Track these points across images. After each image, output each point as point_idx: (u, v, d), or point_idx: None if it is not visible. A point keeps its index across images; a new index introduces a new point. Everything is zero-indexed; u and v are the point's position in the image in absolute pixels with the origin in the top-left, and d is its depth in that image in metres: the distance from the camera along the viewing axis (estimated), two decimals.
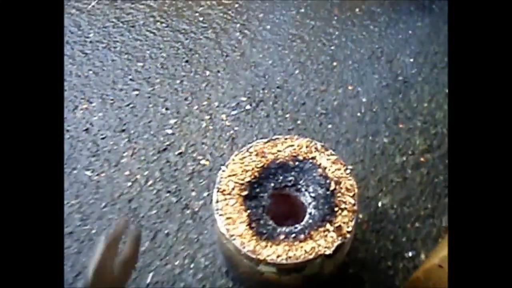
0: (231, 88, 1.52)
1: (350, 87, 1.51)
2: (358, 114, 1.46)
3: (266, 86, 1.52)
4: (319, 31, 1.61)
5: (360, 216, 1.30)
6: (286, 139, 1.02)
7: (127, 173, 1.38)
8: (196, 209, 1.32)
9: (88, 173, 1.39)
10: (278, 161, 0.99)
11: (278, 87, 1.52)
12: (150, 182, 1.37)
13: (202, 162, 1.39)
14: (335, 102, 1.48)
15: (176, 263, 1.25)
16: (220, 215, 0.92)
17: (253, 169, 0.97)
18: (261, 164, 0.98)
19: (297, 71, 1.54)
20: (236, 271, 1.02)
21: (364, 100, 1.49)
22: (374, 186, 1.34)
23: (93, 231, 1.30)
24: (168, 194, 1.35)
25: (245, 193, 0.95)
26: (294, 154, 0.99)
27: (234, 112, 1.48)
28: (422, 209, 1.31)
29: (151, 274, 1.24)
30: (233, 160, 0.99)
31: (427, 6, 1.69)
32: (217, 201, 0.94)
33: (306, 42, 1.60)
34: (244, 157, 0.99)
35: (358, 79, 1.53)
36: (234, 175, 0.97)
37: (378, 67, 1.54)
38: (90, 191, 1.36)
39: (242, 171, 0.97)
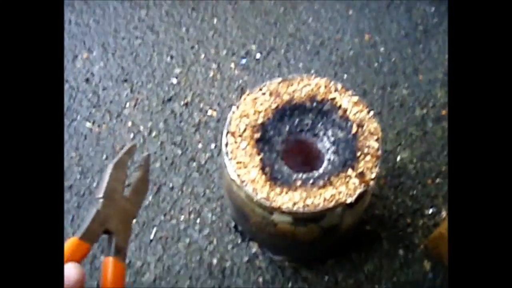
0: (240, 36, 1.43)
1: (367, 37, 1.42)
2: (376, 64, 1.37)
3: (278, 34, 1.43)
4: None
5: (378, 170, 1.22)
6: (302, 78, 0.93)
7: (129, 124, 1.30)
8: (203, 162, 1.25)
9: (89, 124, 1.31)
10: (294, 102, 0.90)
11: (290, 36, 1.42)
12: (153, 134, 1.29)
13: (209, 112, 1.31)
14: (351, 52, 1.39)
15: (181, 218, 1.18)
16: (230, 159, 0.84)
17: (266, 110, 0.89)
18: (275, 105, 0.90)
19: (310, 19, 1.44)
20: (246, 224, 0.94)
21: (382, 50, 1.40)
22: (393, 140, 1.26)
23: (94, 184, 1.23)
24: (173, 146, 1.27)
25: (257, 135, 0.87)
26: (312, 95, 0.91)
27: (243, 61, 1.39)
28: (443, 164, 1.23)
29: (154, 229, 1.18)
30: (245, 100, 0.90)
31: None
32: (227, 144, 0.86)
33: None
34: (257, 97, 0.90)
35: (375, 28, 1.43)
36: (245, 116, 0.88)
37: (396, 16, 1.44)
38: (91, 143, 1.28)
39: (255, 112, 0.88)
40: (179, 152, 1.26)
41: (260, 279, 1.12)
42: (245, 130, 0.87)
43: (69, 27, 1.46)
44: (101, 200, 0.51)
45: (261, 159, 0.85)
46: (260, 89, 0.92)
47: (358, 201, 0.84)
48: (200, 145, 1.27)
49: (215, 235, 1.17)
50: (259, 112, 0.89)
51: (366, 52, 1.39)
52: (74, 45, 1.43)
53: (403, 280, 1.11)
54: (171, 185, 1.22)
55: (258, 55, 1.39)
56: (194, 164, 1.24)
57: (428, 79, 1.34)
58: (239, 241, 1.16)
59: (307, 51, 1.39)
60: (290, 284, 1.11)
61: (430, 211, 1.18)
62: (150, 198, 1.20)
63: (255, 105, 0.90)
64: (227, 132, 0.87)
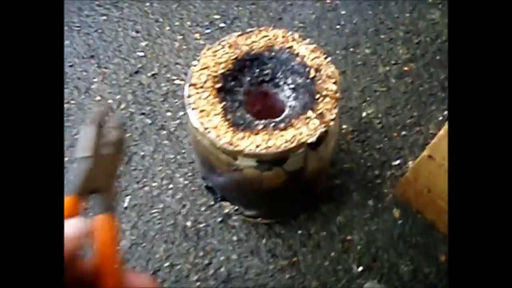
0: (203, 7, 1.44)
1: (328, 1, 1.44)
2: (338, 26, 1.40)
3: (241, 3, 1.45)
4: None
5: (344, 126, 1.25)
6: (260, 30, 0.95)
7: (98, 98, 1.31)
8: (172, 129, 1.26)
9: None
10: (253, 52, 0.92)
11: (252, 4, 1.44)
12: (123, 106, 1.30)
13: (177, 82, 1.32)
14: (313, 16, 1.41)
15: (154, 184, 1.20)
16: (193, 109, 0.86)
17: (226, 61, 0.91)
18: (235, 56, 0.91)
19: None
20: (214, 176, 0.96)
21: (343, 12, 1.42)
22: (358, 97, 1.29)
23: (65, 159, 1.24)
24: (142, 116, 1.28)
25: (218, 85, 0.88)
26: (270, 45, 0.93)
27: (208, 31, 1.41)
28: (408, 117, 1.26)
29: (128, 198, 1.19)
30: (205, 54, 0.92)
31: None
32: (189, 96, 0.87)
33: None
34: (217, 50, 0.92)
35: None
36: (206, 67, 0.90)
37: None
38: None
39: (215, 64, 0.90)
40: (149, 121, 1.27)
41: (235, 238, 1.14)
42: (206, 81, 0.89)
43: None
44: (89, 159, 0.50)
45: (223, 107, 0.86)
46: (219, 43, 0.93)
47: (320, 143, 0.86)
48: (169, 114, 1.28)
49: (188, 198, 1.18)
50: (219, 64, 0.90)
51: (328, 16, 1.41)
52: None
53: (374, 228, 1.13)
54: (142, 153, 1.23)
55: (222, 24, 1.41)
56: (164, 132, 1.26)
57: (389, 37, 1.37)
58: (211, 203, 1.17)
59: (270, 18, 1.41)
60: (264, 241, 1.13)
61: (397, 162, 1.21)
62: (121, 167, 1.21)
63: (215, 57, 0.91)
64: (189, 85, 0.88)
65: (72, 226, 0.41)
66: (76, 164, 0.46)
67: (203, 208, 1.17)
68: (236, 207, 1.13)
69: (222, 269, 1.11)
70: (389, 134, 1.24)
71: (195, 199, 1.18)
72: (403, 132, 1.24)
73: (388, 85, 1.30)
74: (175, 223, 1.16)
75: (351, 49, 1.36)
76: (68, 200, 0.44)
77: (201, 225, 1.16)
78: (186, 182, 1.20)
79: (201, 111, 0.86)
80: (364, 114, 1.27)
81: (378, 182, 1.19)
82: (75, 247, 0.40)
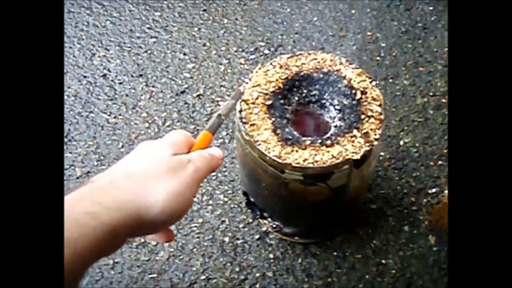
0: (249, 34, 1.51)
1: (369, 33, 1.50)
2: (378, 58, 1.45)
3: (285, 32, 1.51)
4: None
5: (382, 154, 1.28)
6: (309, 53, 1.00)
7: (144, 115, 1.37)
8: None
9: (105, 116, 1.38)
10: (302, 73, 0.97)
11: (296, 33, 1.51)
12: (168, 123, 1.35)
13: (221, 103, 1.38)
14: (354, 47, 1.47)
15: (195, 200, 1.23)
16: (244, 122, 0.90)
17: (277, 80, 0.96)
18: (285, 76, 0.96)
19: (315, 18, 1.53)
20: (258, 189, 0.99)
21: (383, 45, 1.47)
22: (396, 126, 1.32)
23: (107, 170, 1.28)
24: None
25: (269, 102, 0.93)
26: (318, 67, 0.98)
27: (252, 57, 1.47)
28: (444, 148, 1.29)
29: None
30: (257, 72, 0.97)
31: None
32: (241, 111, 0.92)
33: None
34: (268, 70, 0.97)
35: (377, 25, 1.51)
36: (258, 85, 0.95)
37: (397, 14, 1.53)
38: (107, 132, 1.35)
39: (266, 82, 0.95)
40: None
41: (271, 256, 1.17)
42: (257, 97, 0.93)
43: (87, 29, 1.54)
44: (222, 117, 0.70)
45: (272, 123, 0.91)
46: (271, 63, 0.99)
47: (364, 162, 0.90)
48: None
49: (227, 215, 1.22)
50: (270, 82, 0.95)
51: (368, 47, 1.47)
52: (92, 45, 1.51)
53: (409, 254, 1.15)
54: None
55: (266, 51, 1.47)
56: None
57: (428, 70, 1.41)
58: (250, 220, 1.21)
59: (312, 47, 1.47)
60: (300, 260, 1.16)
61: (434, 190, 1.23)
62: None
63: (266, 76, 0.96)
64: (241, 100, 0.93)
65: (216, 151, 0.60)
66: (216, 115, 0.68)
67: (241, 225, 1.20)
68: (274, 225, 1.16)
69: (257, 286, 1.13)
70: (425, 163, 1.27)
71: (234, 216, 1.22)
72: (440, 162, 1.27)
73: (425, 115, 1.34)
74: (213, 238, 1.19)
75: (390, 80, 1.40)
76: (206, 134, 0.64)
77: (239, 241, 1.19)
78: (225, 199, 1.24)
79: (252, 125, 0.90)
80: (401, 142, 1.30)
81: (414, 209, 1.21)
82: (219, 164, 0.60)
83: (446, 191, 1.22)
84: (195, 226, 1.20)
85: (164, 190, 0.50)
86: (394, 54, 1.45)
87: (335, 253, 1.16)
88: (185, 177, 0.52)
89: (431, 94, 1.37)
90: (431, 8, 1.53)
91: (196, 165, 0.54)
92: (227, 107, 0.74)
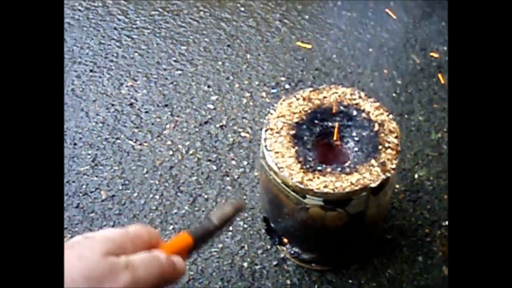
0: (271, 69, 1.59)
1: (385, 71, 1.56)
2: (394, 94, 1.51)
3: (305, 68, 1.58)
4: (355, 21, 1.68)
5: (397, 186, 1.32)
6: (331, 87, 1.06)
7: (169, 143, 1.43)
8: (236, 177, 1.36)
9: (131, 142, 1.44)
10: (324, 106, 1.03)
11: (316, 69, 1.58)
12: (191, 152, 1.41)
13: (243, 134, 1.44)
14: (371, 84, 1.53)
15: None
16: (269, 150, 0.96)
17: (300, 112, 1.02)
18: (308, 108, 1.03)
19: (334, 56, 1.60)
20: (279, 214, 1.04)
21: (399, 82, 1.54)
22: (410, 160, 1.37)
23: (135, 195, 1.34)
24: (208, 163, 1.39)
25: (292, 132, 0.99)
26: (339, 100, 1.04)
27: (274, 91, 1.54)
28: None
29: None
30: (281, 104, 1.03)
31: None
32: (266, 139, 0.98)
33: (343, 31, 1.67)
34: (292, 102, 1.04)
35: (393, 64, 1.58)
36: (282, 116, 1.01)
37: (412, 53, 1.60)
38: (133, 158, 1.41)
39: (290, 113, 1.01)
40: (214, 167, 1.38)
41: (288, 282, 1.20)
42: (282, 127, 1.00)
43: (116, 60, 1.63)
44: (214, 225, 0.60)
45: (295, 151, 0.96)
46: (295, 96, 1.05)
47: (381, 190, 0.95)
48: (233, 162, 1.38)
49: (246, 241, 1.26)
50: (294, 113, 1.02)
51: (384, 84, 1.53)
52: (120, 75, 1.59)
53: (423, 284, 1.18)
54: (206, 196, 1.33)
55: (287, 86, 1.54)
56: (228, 178, 1.36)
57: (442, 107, 1.47)
58: (268, 247, 1.25)
59: (331, 82, 1.53)
60: (316, 286, 1.19)
61: (447, 222, 1.26)
62: (186, 207, 1.31)
63: (290, 108, 1.03)
64: (266, 129, 0.99)
65: (179, 262, 0.46)
66: (207, 220, 0.57)
67: (260, 251, 1.24)
68: (292, 251, 1.20)
69: None
70: (439, 196, 1.31)
71: (253, 242, 1.26)
72: None
73: (440, 150, 1.39)
74: (232, 263, 1.23)
75: (406, 116, 1.46)
76: (183, 235, 0.53)
77: (257, 267, 1.22)
78: (245, 226, 1.28)
79: (276, 152, 0.96)
80: (416, 176, 1.34)
81: (428, 240, 1.24)
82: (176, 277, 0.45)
83: None
84: (215, 251, 1.25)
85: None
86: (409, 91, 1.51)
87: (350, 281, 1.19)
88: None
89: (445, 130, 1.42)
90: (445, 48, 1.60)
91: (135, 275, 0.39)
92: (221, 215, 0.63)
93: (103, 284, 0.36)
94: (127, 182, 1.37)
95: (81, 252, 0.37)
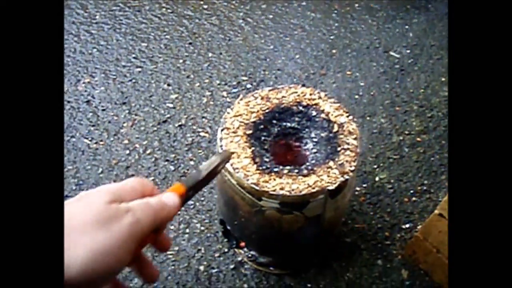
0: (232, 68, 1.55)
1: (348, 72, 1.55)
2: (356, 96, 1.50)
3: (267, 68, 1.56)
4: (319, 22, 1.67)
5: (358, 189, 1.31)
6: (290, 87, 1.04)
7: (125, 142, 1.39)
8: None
9: (87, 141, 1.39)
10: (282, 106, 1.00)
11: (278, 69, 1.55)
12: (148, 151, 1.37)
13: (202, 134, 1.40)
14: (334, 85, 1.52)
15: (171, 227, 1.25)
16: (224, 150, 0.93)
17: (258, 111, 0.99)
18: (266, 107, 1.00)
19: (297, 56, 1.58)
20: (235, 217, 1.01)
21: (362, 84, 1.53)
22: (372, 162, 1.36)
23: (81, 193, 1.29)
24: (166, 163, 1.35)
25: (249, 132, 0.96)
26: (298, 100, 1.01)
27: (235, 90, 1.50)
28: (418, 184, 1.32)
29: None
30: (238, 103, 1.00)
31: (424, 5, 1.76)
32: (221, 139, 0.94)
33: (307, 31, 1.65)
34: (249, 101, 1.01)
35: (356, 65, 1.57)
36: (239, 115, 0.98)
37: (375, 56, 1.59)
38: (88, 157, 1.36)
39: (248, 113, 0.98)
40: (172, 168, 1.34)
41: (245, 286, 1.17)
42: (238, 127, 0.96)
43: (73, 55, 1.57)
44: (202, 175, 0.60)
45: (252, 151, 0.93)
46: (253, 95, 1.02)
47: (339, 193, 0.92)
48: (192, 162, 1.35)
49: (203, 244, 1.22)
50: (252, 113, 0.98)
51: (347, 86, 1.52)
52: (77, 71, 1.54)
53: (382, 287, 1.16)
54: None
55: (248, 86, 1.51)
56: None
57: (404, 110, 1.46)
58: (226, 250, 1.21)
59: (294, 83, 1.51)
60: None
61: (407, 225, 1.25)
62: None
63: (248, 107, 0.99)
64: (222, 129, 0.96)
65: (170, 198, 0.50)
66: (196, 171, 0.57)
67: (217, 254, 1.21)
68: (250, 255, 1.17)
69: None
70: (400, 199, 1.30)
71: (210, 245, 1.22)
72: (414, 198, 1.30)
73: (401, 153, 1.38)
74: (188, 266, 1.19)
75: (368, 118, 1.44)
76: (177, 185, 0.54)
77: (214, 271, 1.19)
78: (202, 228, 1.25)
79: (232, 152, 0.92)
80: (377, 178, 1.33)
81: (388, 243, 1.23)
82: (171, 214, 0.49)
83: (419, 227, 1.24)
84: (171, 254, 1.21)
85: (87, 246, 0.41)
86: (372, 93, 1.50)
87: (309, 285, 1.17)
88: (118, 231, 0.43)
89: (406, 132, 1.42)
90: (408, 51, 1.60)
91: (135, 216, 0.44)
92: (209, 163, 0.64)
93: (111, 225, 0.42)
94: (81, 182, 1.32)
95: (89, 201, 0.44)
